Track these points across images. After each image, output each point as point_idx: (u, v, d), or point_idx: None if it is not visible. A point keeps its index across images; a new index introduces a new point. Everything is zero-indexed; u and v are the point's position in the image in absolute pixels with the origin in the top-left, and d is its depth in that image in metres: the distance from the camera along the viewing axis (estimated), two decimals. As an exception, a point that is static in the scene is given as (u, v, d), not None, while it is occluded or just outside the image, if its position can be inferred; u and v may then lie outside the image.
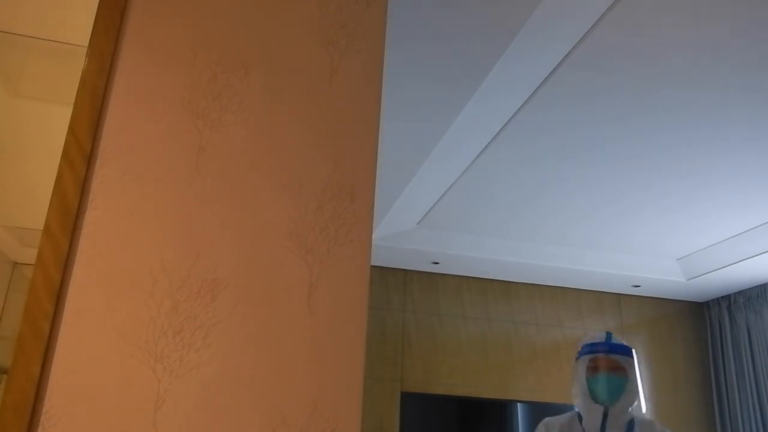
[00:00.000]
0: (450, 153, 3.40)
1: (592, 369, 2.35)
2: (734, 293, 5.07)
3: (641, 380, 5.02)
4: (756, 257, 4.28)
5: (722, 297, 5.17)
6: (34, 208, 1.52)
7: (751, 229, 4.15)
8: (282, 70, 1.62)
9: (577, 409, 2.44)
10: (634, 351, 2.42)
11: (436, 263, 4.78)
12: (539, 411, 4.80)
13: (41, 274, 1.31)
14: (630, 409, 2.34)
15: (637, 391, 2.37)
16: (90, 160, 1.43)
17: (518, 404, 4.84)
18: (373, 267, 1.78)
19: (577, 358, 2.47)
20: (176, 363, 1.33)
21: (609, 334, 2.42)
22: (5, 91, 2.18)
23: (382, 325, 4.76)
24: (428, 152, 3.38)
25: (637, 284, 5.01)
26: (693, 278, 4.79)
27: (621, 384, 2.31)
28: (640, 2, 2.25)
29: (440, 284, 4.98)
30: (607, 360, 2.34)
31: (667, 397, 5.03)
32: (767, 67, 2.56)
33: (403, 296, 4.89)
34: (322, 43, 1.67)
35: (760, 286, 4.85)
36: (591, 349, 2.40)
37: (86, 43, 1.51)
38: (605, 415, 2.29)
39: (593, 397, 2.33)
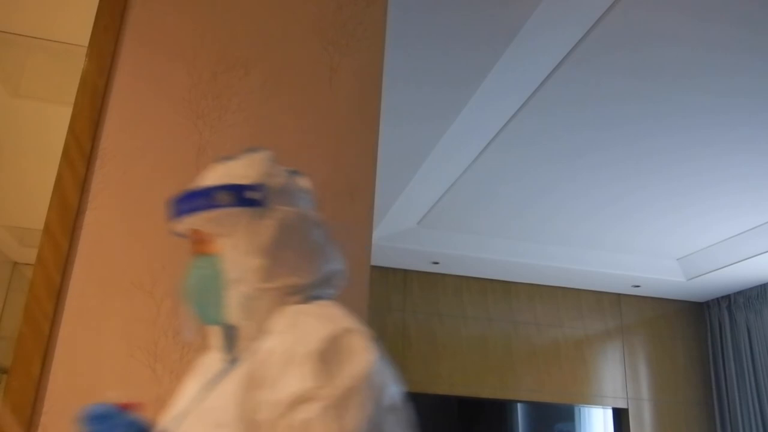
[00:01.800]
0: (450, 153, 3.40)
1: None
2: (734, 293, 5.07)
3: (640, 375, 5.01)
4: (756, 257, 4.28)
5: (722, 297, 5.17)
6: (34, 208, 1.52)
7: (751, 229, 4.15)
8: (282, 70, 1.62)
9: None
10: (244, 188, 0.97)
11: (436, 263, 4.77)
12: (539, 411, 4.80)
13: (41, 274, 1.31)
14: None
15: (252, 273, 0.94)
16: (90, 160, 1.43)
17: (518, 404, 4.84)
18: (373, 267, 1.77)
19: None
20: (176, 363, 1.33)
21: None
22: (5, 91, 2.18)
23: (382, 325, 4.75)
24: (428, 152, 3.38)
25: (637, 284, 5.00)
26: (693, 278, 4.79)
27: (210, 275, 0.95)
28: (639, 4, 2.25)
29: (440, 284, 4.97)
30: (190, 234, 1.00)
31: (667, 397, 5.03)
32: (766, 68, 2.56)
33: (403, 296, 4.89)
34: (322, 43, 1.67)
35: (760, 286, 4.84)
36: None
37: (86, 43, 1.51)
38: (229, 342, 0.95)
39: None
